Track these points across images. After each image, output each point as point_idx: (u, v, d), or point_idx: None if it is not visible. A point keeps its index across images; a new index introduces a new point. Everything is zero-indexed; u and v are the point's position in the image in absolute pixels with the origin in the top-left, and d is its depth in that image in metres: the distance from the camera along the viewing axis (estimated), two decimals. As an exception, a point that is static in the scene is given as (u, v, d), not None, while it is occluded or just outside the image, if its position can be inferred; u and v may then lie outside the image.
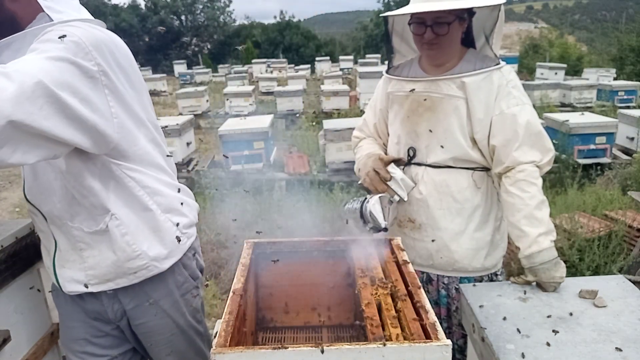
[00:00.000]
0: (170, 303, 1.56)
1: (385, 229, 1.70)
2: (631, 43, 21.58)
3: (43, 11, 1.33)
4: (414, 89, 1.80)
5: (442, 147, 1.78)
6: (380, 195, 1.74)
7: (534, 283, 1.67)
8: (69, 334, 1.62)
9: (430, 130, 1.79)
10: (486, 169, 1.82)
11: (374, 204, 1.70)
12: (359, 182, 1.90)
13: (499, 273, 1.93)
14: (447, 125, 1.76)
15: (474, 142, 1.77)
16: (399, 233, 1.88)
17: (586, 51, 32.64)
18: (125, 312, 1.54)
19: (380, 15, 1.82)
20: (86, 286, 1.48)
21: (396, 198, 1.77)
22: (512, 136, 1.69)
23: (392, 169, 1.81)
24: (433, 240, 1.83)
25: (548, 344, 1.36)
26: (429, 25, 1.67)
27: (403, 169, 1.85)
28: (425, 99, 1.78)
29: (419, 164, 1.84)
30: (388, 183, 1.77)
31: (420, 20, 1.69)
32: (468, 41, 1.82)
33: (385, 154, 1.96)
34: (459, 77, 1.72)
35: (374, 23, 38.88)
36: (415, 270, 1.86)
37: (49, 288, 2.08)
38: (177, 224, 1.53)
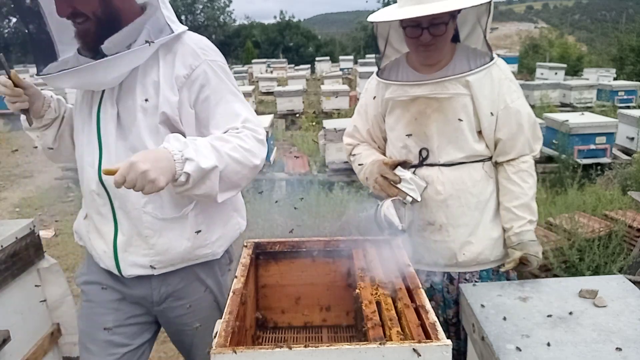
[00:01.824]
0: (214, 282, 1.69)
1: (403, 231, 1.67)
2: (631, 43, 21.56)
3: (142, 11, 1.47)
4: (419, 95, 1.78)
5: (453, 145, 1.79)
6: (392, 198, 1.72)
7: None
8: (95, 321, 1.63)
9: (440, 131, 1.78)
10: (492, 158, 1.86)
11: (387, 208, 1.68)
12: (370, 192, 1.87)
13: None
14: (457, 124, 1.76)
15: (479, 135, 1.80)
16: (418, 238, 1.84)
17: (586, 51, 32.61)
18: (170, 294, 1.61)
19: (375, 21, 1.78)
20: (153, 268, 1.54)
21: (408, 199, 1.74)
22: (517, 130, 1.77)
23: (400, 171, 1.79)
24: (451, 237, 1.82)
25: (548, 344, 1.36)
26: (425, 27, 1.65)
27: (414, 171, 1.83)
28: (432, 101, 1.76)
29: (432, 165, 1.82)
30: (398, 185, 1.75)
31: (415, 23, 1.66)
32: (454, 36, 1.81)
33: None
34: (463, 76, 1.71)
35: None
36: (436, 272, 1.87)
37: (50, 288, 2.08)
38: (239, 223, 1.71)
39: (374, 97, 1.95)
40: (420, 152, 1.84)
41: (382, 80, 1.87)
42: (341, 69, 20.46)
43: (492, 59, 1.74)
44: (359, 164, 1.96)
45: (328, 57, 25.41)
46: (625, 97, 11.88)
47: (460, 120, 1.76)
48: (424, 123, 1.80)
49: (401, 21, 1.70)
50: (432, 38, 1.67)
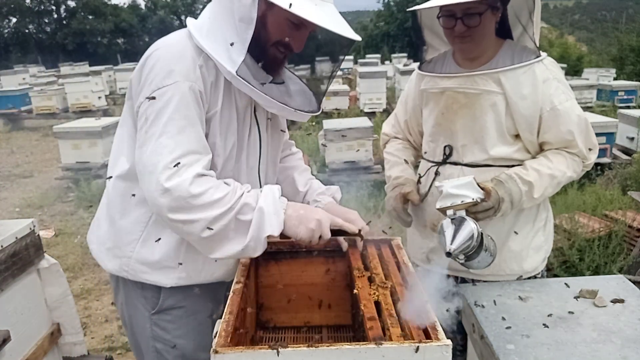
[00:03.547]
0: None
1: (449, 254, 1.42)
2: (631, 43, 21.56)
3: None
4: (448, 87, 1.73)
5: (478, 145, 1.71)
6: (447, 218, 1.49)
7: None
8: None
9: (466, 128, 1.72)
10: None
11: (443, 229, 1.48)
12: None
13: (538, 276, 1.85)
14: (484, 123, 1.69)
15: (514, 138, 1.71)
16: (432, 237, 1.79)
17: (586, 51, 32.61)
18: None
19: (407, 10, 1.75)
20: None
21: (450, 212, 1.50)
22: (567, 135, 1.65)
23: (444, 186, 1.52)
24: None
25: (548, 344, 1.36)
26: (459, 18, 1.60)
27: (437, 169, 1.79)
28: (460, 96, 1.71)
29: (455, 164, 1.76)
30: (448, 213, 1.50)
31: (449, 13, 1.61)
32: (504, 32, 1.74)
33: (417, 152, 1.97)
34: (495, 72, 1.64)
35: (374, 23, 38.89)
36: (449, 275, 1.83)
37: (50, 288, 2.08)
38: None
39: (415, 88, 1.91)
40: (444, 149, 1.78)
41: (419, 71, 1.87)
42: (341, 69, 20.44)
43: (537, 57, 1.64)
44: (387, 174, 1.97)
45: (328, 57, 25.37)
46: (625, 97, 11.88)
47: (485, 119, 1.68)
48: (450, 119, 1.75)
49: (438, 12, 1.67)
50: (467, 29, 1.61)
